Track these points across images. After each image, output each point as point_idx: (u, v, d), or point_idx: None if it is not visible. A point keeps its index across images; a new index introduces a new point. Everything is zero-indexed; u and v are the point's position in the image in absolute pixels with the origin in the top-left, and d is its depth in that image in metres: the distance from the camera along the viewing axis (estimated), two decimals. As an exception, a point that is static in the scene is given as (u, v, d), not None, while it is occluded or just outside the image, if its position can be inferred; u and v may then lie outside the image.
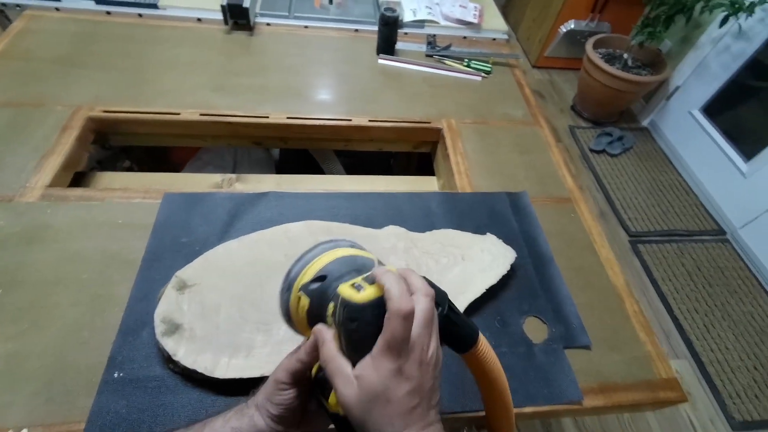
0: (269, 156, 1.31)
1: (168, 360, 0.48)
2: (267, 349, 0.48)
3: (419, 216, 0.67)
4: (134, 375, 0.48)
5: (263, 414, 0.33)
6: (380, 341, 0.27)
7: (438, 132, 0.86)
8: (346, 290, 0.28)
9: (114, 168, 1.02)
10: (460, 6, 1.17)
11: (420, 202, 0.70)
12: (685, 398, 0.54)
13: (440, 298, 0.31)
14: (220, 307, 0.51)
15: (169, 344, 0.47)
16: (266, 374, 0.46)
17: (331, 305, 0.29)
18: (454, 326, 0.31)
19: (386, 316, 0.26)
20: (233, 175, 0.81)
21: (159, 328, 0.48)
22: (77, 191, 0.65)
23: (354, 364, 0.28)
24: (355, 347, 0.28)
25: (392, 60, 1.01)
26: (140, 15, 1.01)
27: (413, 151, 0.94)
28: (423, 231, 0.63)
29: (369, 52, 1.02)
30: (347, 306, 0.27)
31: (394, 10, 0.96)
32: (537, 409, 0.51)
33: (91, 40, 0.91)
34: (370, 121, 0.84)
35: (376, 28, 1.02)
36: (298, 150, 1.25)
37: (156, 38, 0.95)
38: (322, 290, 0.30)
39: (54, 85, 0.80)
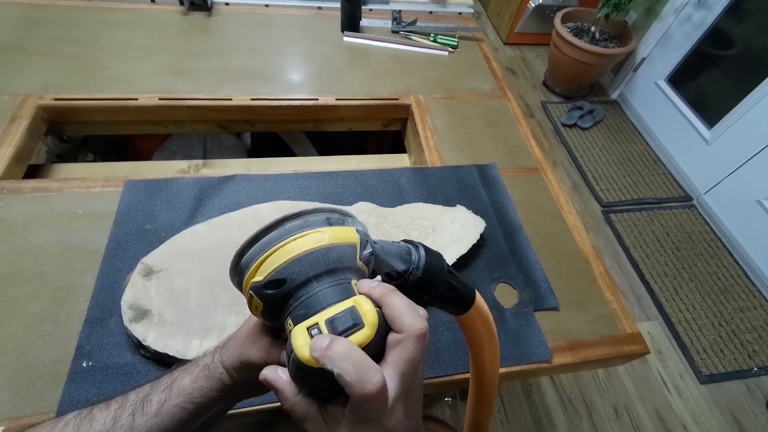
0: (240, 143, 1.28)
1: (138, 346, 0.47)
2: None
3: (390, 192, 0.67)
4: (104, 363, 0.47)
5: (231, 374, 0.32)
6: (348, 416, 0.22)
7: (407, 108, 0.85)
8: (298, 339, 0.22)
9: (75, 161, 0.98)
10: (426, -20, 1.15)
11: (390, 178, 0.70)
12: (647, 350, 0.57)
13: (439, 263, 0.28)
14: (190, 291, 0.50)
15: (138, 330, 0.46)
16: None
17: (289, 323, 0.24)
18: (454, 290, 0.29)
19: (350, 400, 0.22)
20: (200, 161, 0.79)
21: (126, 315, 0.47)
22: (32, 183, 0.62)
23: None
24: (318, 398, 0.24)
25: (357, 37, 0.99)
26: (89, -2, 0.96)
27: (385, 130, 0.93)
28: (393, 206, 0.63)
29: (333, 30, 1.00)
30: (298, 366, 0.22)
31: (357, -15, 0.94)
32: (510, 370, 0.52)
33: (35, 25, 0.86)
34: (337, 99, 0.83)
35: (339, 5, 0.99)
36: (269, 135, 1.23)
37: (106, 21, 0.90)
38: (278, 300, 0.24)
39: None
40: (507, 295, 0.59)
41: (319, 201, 0.63)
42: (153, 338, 0.46)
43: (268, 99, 0.81)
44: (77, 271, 0.53)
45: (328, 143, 1.25)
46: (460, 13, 1.14)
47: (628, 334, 0.57)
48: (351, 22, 0.99)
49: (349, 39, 0.98)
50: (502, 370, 0.52)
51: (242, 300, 0.49)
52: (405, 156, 0.87)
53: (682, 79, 1.96)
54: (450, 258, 0.57)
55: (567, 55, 2.04)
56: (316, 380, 0.22)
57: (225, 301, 0.50)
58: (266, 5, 1.04)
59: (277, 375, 0.25)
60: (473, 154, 0.77)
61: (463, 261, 0.59)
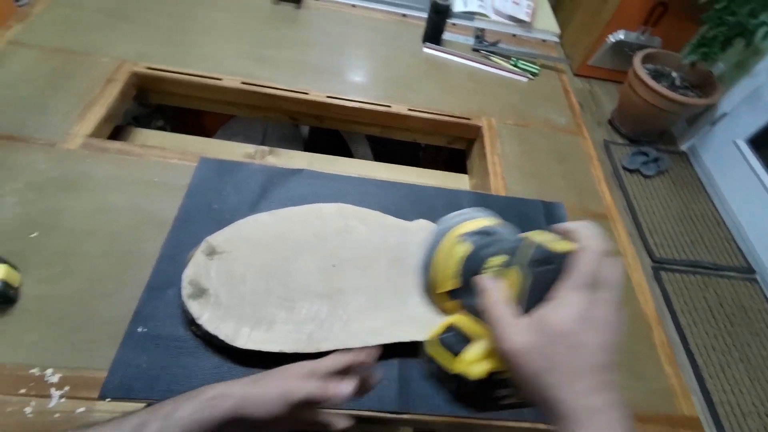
0: (298, 132, 1.31)
1: (191, 323, 0.48)
2: (288, 327, 0.48)
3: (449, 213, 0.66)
4: (157, 332, 0.48)
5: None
6: (570, 277, 0.24)
7: (477, 129, 0.84)
8: (540, 236, 0.27)
9: (148, 125, 1.03)
10: (513, 2, 1.13)
11: (451, 198, 0.69)
12: (703, 437, 0.52)
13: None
14: (246, 278, 0.51)
15: (194, 307, 0.47)
16: (285, 350, 0.46)
17: (497, 258, 0.29)
18: None
19: (577, 254, 0.25)
20: (266, 148, 0.81)
21: (186, 290, 0.49)
22: (117, 144, 0.65)
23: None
24: (534, 295, 0.26)
25: (437, 50, 0.98)
26: (190, -25, 1.01)
27: (445, 146, 0.92)
28: (453, 229, 0.62)
29: (414, 39, 1.00)
30: (543, 251, 0.26)
31: (447, -1, 0.93)
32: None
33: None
34: (409, 110, 0.82)
35: (424, 14, 0.99)
36: (328, 129, 1.24)
37: (202, 1, 0.94)
38: (487, 242, 0.30)
39: (101, 36, 0.80)
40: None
41: (379, 210, 0.62)
42: (207, 318, 0.47)
43: (343, 99, 0.81)
44: (145, 237, 0.55)
45: (384, 146, 1.25)
46: (544, 41, 1.11)
47: (686, 416, 0.53)
48: (433, 34, 0.98)
49: (429, 50, 0.98)
50: (543, 426, 0.50)
51: (295, 297, 0.50)
52: (465, 177, 0.86)
53: (765, 142, 1.82)
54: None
55: (641, 97, 1.95)
56: (554, 267, 0.26)
57: (278, 294, 0.50)
58: (353, 5, 1.06)
59: (490, 278, 0.28)
60: (539, 188, 0.74)
61: (517, 299, 0.56)
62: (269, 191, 0.63)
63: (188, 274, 0.50)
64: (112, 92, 0.71)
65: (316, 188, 0.65)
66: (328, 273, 0.53)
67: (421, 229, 0.60)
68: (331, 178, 0.67)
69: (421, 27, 1.00)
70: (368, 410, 0.47)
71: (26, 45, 0.75)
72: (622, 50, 2.29)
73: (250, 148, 0.80)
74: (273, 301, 0.50)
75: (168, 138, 0.78)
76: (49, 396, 0.43)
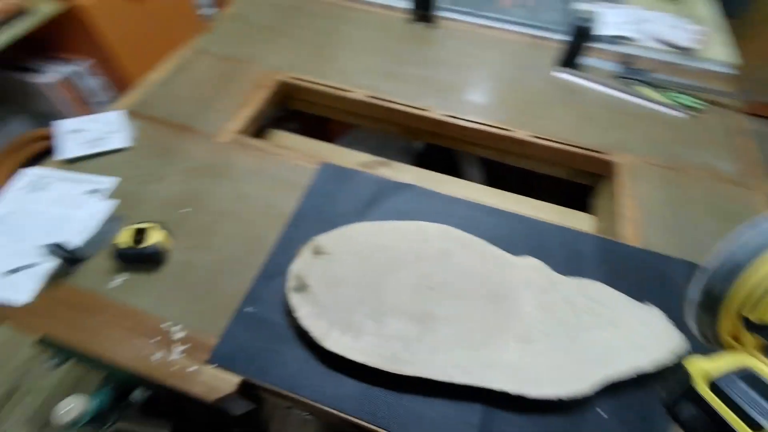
0: (412, 147, 1.34)
1: (288, 313, 0.52)
2: (375, 340, 0.49)
3: (565, 255, 0.60)
4: (262, 315, 0.53)
5: None
6: None
7: (609, 165, 0.75)
8: None
9: (282, 127, 1.16)
10: (676, 27, 0.99)
11: (569, 239, 0.62)
12: None
13: None
14: (344, 282, 0.53)
15: (294, 299, 0.51)
16: (368, 363, 0.47)
17: None
18: None
19: None
20: (380, 159, 0.84)
21: (291, 282, 0.53)
22: (258, 142, 0.74)
23: None
24: None
25: (571, 75, 0.91)
26: (340, -4, 1.11)
27: (566, 179, 0.84)
28: (567, 274, 0.56)
29: (546, 62, 0.94)
30: None
31: (589, 20, 0.86)
32: None
33: (296, 13, 1.03)
34: (533, 137, 0.78)
35: (560, 36, 0.93)
36: (442, 148, 1.24)
37: (346, 18, 1.03)
38: None
39: (261, 49, 0.93)
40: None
41: (485, 239, 0.59)
42: (303, 313, 0.50)
43: (461, 119, 0.80)
44: (268, 227, 0.62)
45: (497, 170, 1.20)
46: (714, 72, 0.94)
47: None
48: (570, 58, 0.91)
49: (561, 75, 0.91)
50: None
51: (385, 311, 0.50)
52: (587, 217, 0.77)
53: None
54: (624, 368, 0.46)
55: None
56: None
57: (370, 305, 0.51)
58: (485, 26, 1.04)
59: None
60: (686, 247, 0.62)
61: (639, 380, 0.48)
62: (378, 202, 0.65)
63: (294, 268, 0.54)
64: (261, 97, 0.82)
65: (423, 205, 0.65)
66: (422, 294, 0.52)
67: (529, 266, 0.56)
68: (440, 197, 0.67)
69: (554, 50, 0.94)
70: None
71: (207, 53, 0.91)
72: (821, 86, 1.83)
73: (365, 157, 0.84)
74: (364, 311, 0.51)
75: (298, 141, 0.87)
76: (171, 350, 0.51)
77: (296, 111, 1.28)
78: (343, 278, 0.53)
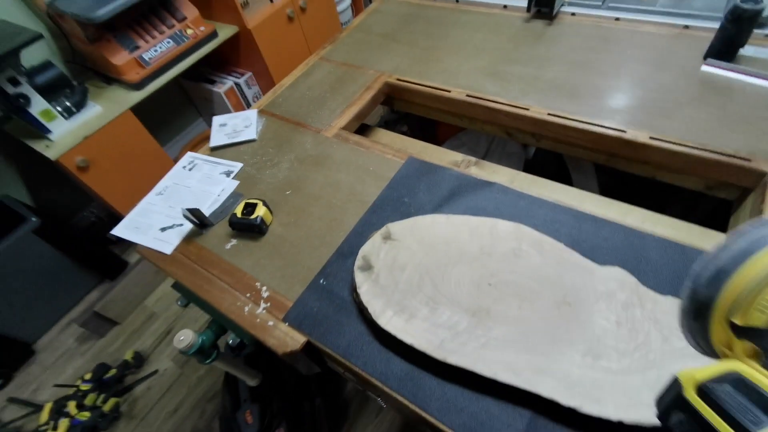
0: (523, 153, 1.27)
1: (353, 289, 0.56)
2: (425, 325, 0.49)
3: (668, 274, 0.50)
4: (331, 287, 0.58)
5: None
6: None
7: (757, 177, 0.59)
8: None
9: (394, 129, 1.23)
10: None
11: (680, 257, 0.52)
12: None
13: None
14: (406, 268, 0.55)
15: (359, 277, 0.55)
16: (415, 345, 0.47)
17: None
18: None
19: None
20: (473, 159, 0.82)
21: (358, 261, 0.57)
22: (355, 137, 0.82)
23: None
24: None
25: (725, 68, 0.74)
26: (457, 1, 1.13)
27: (706, 193, 0.69)
28: (665, 294, 0.47)
29: (692, 54, 0.79)
30: None
31: (758, 2, 0.69)
32: None
33: (411, 19, 1.09)
34: (651, 138, 0.67)
35: (713, 24, 0.77)
36: (554, 154, 1.15)
37: (459, 22, 1.04)
38: None
39: (374, 54, 1.01)
40: None
41: (565, 243, 0.54)
42: (364, 290, 0.53)
43: (564, 118, 0.74)
44: (349, 211, 0.67)
45: (618, 181, 1.05)
46: None
47: None
48: (725, 48, 0.75)
49: (711, 69, 0.75)
50: None
51: (441, 300, 0.50)
52: (719, 236, 0.62)
53: None
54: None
55: None
56: None
57: (427, 292, 0.52)
58: (616, 18, 0.93)
59: None
60: None
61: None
62: (456, 197, 0.65)
63: (364, 249, 0.58)
64: (367, 97, 0.89)
65: (502, 205, 0.62)
66: (480, 290, 0.51)
67: (612, 278, 0.49)
68: (523, 197, 0.63)
69: (706, 40, 0.79)
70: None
71: (328, 60, 1.03)
72: None
73: (458, 156, 0.84)
74: (420, 297, 0.52)
75: (397, 139, 0.92)
76: (258, 305, 0.60)
77: (407, 114, 1.35)
78: (406, 264, 0.55)
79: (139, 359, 1.39)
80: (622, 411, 0.38)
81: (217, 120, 0.91)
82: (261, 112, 0.92)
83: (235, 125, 0.89)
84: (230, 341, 0.65)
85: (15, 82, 1.19)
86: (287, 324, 0.57)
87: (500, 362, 0.44)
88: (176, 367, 1.37)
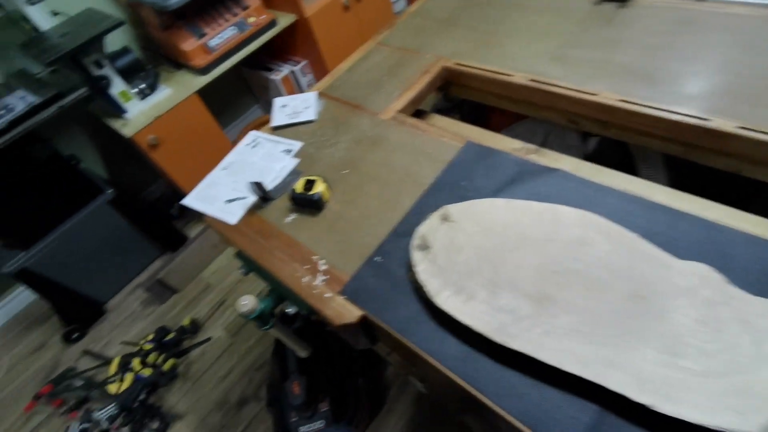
0: (582, 146, 1.21)
1: (409, 268, 0.57)
2: (483, 307, 0.49)
3: (757, 273, 0.46)
4: (387, 266, 0.60)
5: None
6: None
7: None
8: None
9: (447, 116, 1.22)
10: None
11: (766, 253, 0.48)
12: None
13: None
14: (464, 250, 0.55)
15: (416, 256, 0.56)
16: (472, 327, 0.47)
17: None
18: None
19: None
20: (533, 146, 0.80)
21: (415, 240, 0.57)
22: (412, 120, 0.82)
23: None
24: None
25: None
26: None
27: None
28: (755, 294, 0.43)
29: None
30: None
31: None
32: None
33: (471, 4, 1.06)
34: (740, 127, 0.61)
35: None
36: (617, 146, 1.09)
37: (522, 5, 1.00)
38: None
39: (432, 39, 1.00)
40: None
41: (638, 234, 0.51)
42: (422, 269, 0.54)
43: (638, 104, 0.69)
44: (404, 192, 0.68)
45: (690, 176, 0.97)
46: None
47: None
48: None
49: (814, 52, 0.68)
50: None
51: (497, 287, 0.49)
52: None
53: None
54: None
55: None
56: None
57: (486, 275, 0.52)
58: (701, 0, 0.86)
59: None
60: None
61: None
62: (517, 183, 0.63)
63: (421, 229, 0.58)
64: (424, 81, 0.89)
65: (566, 192, 0.60)
66: (543, 276, 0.49)
67: (694, 274, 0.46)
68: (589, 185, 0.60)
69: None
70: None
71: (385, 45, 1.03)
72: None
73: (517, 143, 0.82)
74: (478, 279, 0.51)
75: (453, 124, 0.91)
76: (316, 277, 0.62)
77: (460, 103, 1.33)
78: (463, 246, 0.55)
79: (195, 326, 1.50)
80: (703, 414, 0.36)
81: (278, 101, 0.95)
82: (320, 95, 0.94)
83: (295, 106, 0.92)
84: (288, 310, 0.68)
85: (99, 65, 1.31)
86: (344, 297, 0.58)
87: (565, 351, 0.43)
88: (228, 336, 1.46)
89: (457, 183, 0.66)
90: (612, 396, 0.40)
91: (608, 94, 0.73)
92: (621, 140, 0.90)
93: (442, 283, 0.52)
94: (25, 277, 1.41)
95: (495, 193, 0.63)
